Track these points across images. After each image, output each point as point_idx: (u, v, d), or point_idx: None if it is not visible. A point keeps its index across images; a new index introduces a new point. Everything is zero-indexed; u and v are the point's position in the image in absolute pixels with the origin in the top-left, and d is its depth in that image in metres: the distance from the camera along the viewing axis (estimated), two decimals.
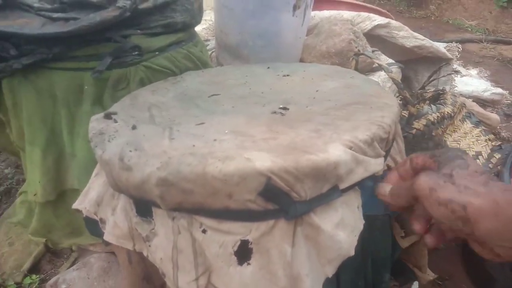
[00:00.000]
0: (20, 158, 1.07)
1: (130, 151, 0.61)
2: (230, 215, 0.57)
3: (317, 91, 0.86)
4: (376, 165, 0.63)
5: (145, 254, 0.66)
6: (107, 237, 0.67)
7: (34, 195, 1.02)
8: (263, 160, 0.54)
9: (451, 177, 0.45)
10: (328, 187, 0.59)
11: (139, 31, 0.92)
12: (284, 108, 0.73)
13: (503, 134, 2.04)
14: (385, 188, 0.57)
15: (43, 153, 0.95)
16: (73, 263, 1.15)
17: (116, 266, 1.00)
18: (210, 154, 0.57)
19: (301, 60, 1.44)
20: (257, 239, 0.57)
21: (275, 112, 0.72)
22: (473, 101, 2.13)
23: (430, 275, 0.94)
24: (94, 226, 0.72)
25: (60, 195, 1.05)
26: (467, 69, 2.79)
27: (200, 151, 0.59)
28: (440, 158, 0.50)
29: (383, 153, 0.66)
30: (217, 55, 1.42)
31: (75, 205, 0.75)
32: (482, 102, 2.24)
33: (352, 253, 0.59)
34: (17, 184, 1.57)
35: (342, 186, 0.60)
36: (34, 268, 1.13)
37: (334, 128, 0.64)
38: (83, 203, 0.75)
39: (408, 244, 0.81)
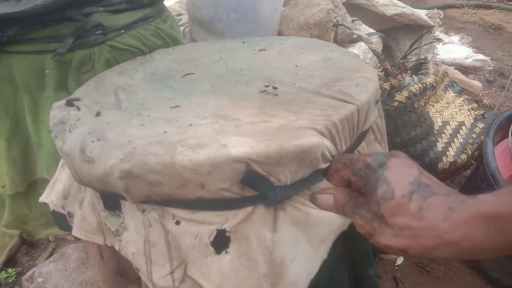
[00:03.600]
0: None
1: (92, 141, 0.57)
2: (204, 204, 0.54)
3: (296, 66, 0.82)
4: None
5: (117, 248, 0.63)
6: (75, 232, 0.64)
7: (3, 187, 0.97)
8: (240, 146, 0.50)
9: (383, 217, 0.42)
10: (309, 172, 0.56)
11: (101, 8, 0.86)
12: (274, 88, 0.69)
13: (485, 101, 2.03)
14: (328, 200, 0.54)
15: (7, 143, 0.90)
16: (51, 254, 1.11)
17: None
18: (180, 142, 0.53)
19: (279, 33, 1.39)
20: (234, 227, 0.55)
21: (264, 92, 0.68)
22: (455, 68, 2.11)
23: None
24: (62, 220, 0.68)
25: (31, 186, 1.00)
26: (449, 35, 2.76)
27: (169, 138, 0.54)
28: (363, 178, 0.46)
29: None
30: (190, 30, 1.35)
31: (42, 198, 0.71)
32: (464, 69, 2.22)
33: (346, 227, 0.57)
34: None
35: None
36: (10, 261, 1.09)
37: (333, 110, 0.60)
38: (50, 196, 0.71)
39: None
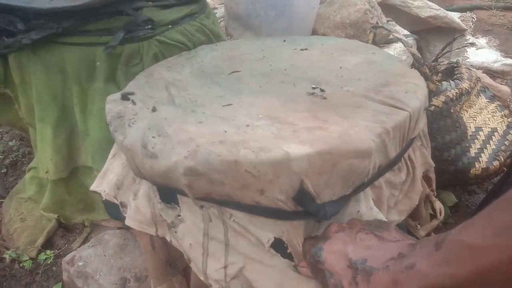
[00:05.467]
0: (29, 134, 1.05)
1: (153, 137, 0.59)
2: (261, 210, 0.56)
3: (340, 67, 0.82)
4: None
5: (168, 239, 0.65)
6: (129, 222, 0.66)
7: (46, 172, 1.00)
8: (300, 159, 0.51)
9: None
10: (353, 188, 0.58)
11: (150, 2, 0.88)
12: (321, 90, 0.70)
13: None
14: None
15: (54, 130, 0.93)
16: (86, 238, 1.15)
17: (132, 243, 1.00)
18: (243, 143, 0.54)
19: (314, 31, 1.40)
20: (289, 236, 0.56)
21: (313, 94, 0.69)
22: (483, 72, 2.09)
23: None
24: (114, 209, 0.71)
25: (72, 172, 1.03)
26: (476, 37, 2.72)
27: (230, 138, 0.56)
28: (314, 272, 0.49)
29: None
30: (226, 25, 1.37)
31: (92, 187, 0.74)
32: (492, 73, 2.19)
33: None
34: (23, 156, 1.55)
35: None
36: (48, 244, 1.13)
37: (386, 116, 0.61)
38: (101, 186, 0.74)
39: (425, 233, 0.80)
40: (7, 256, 1.08)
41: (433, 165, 0.77)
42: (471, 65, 2.06)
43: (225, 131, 0.59)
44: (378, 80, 0.75)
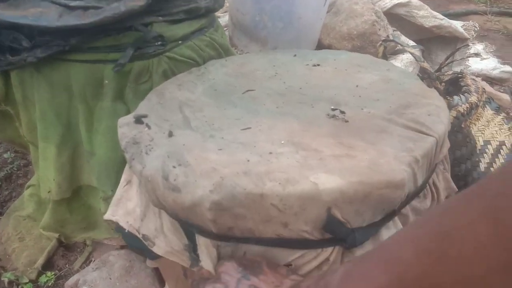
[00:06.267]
0: (29, 151, 1.01)
1: (174, 166, 0.56)
2: (280, 243, 0.54)
3: (357, 86, 0.80)
4: None
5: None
6: (159, 251, 0.62)
7: (48, 192, 0.96)
8: (330, 190, 0.49)
9: None
10: (383, 215, 0.56)
11: (160, 18, 0.84)
12: (341, 112, 0.67)
13: None
14: None
15: (58, 149, 0.89)
16: (87, 258, 1.11)
17: (138, 264, 0.97)
18: (268, 175, 0.52)
19: (319, 42, 1.37)
20: (302, 266, 0.54)
21: (333, 117, 0.66)
22: (482, 79, 2.09)
23: None
24: (135, 241, 0.67)
25: (75, 191, 0.99)
26: (473, 43, 2.73)
27: (255, 169, 0.53)
28: None
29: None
30: (231, 35, 1.34)
31: (107, 216, 0.70)
32: (490, 80, 2.20)
33: None
34: (18, 169, 1.50)
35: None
36: (48, 264, 1.09)
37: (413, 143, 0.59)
38: (117, 214, 0.70)
39: None
40: (5, 278, 1.03)
41: (456, 189, 0.75)
42: (471, 73, 2.06)
43: (248, 160, 0.56)
44: (398, 100, 0.73)
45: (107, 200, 0.88)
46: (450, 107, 1.07)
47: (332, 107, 0.72)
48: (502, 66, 2.22)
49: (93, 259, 1.10)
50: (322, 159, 0.56)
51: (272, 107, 0.74)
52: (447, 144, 0.71)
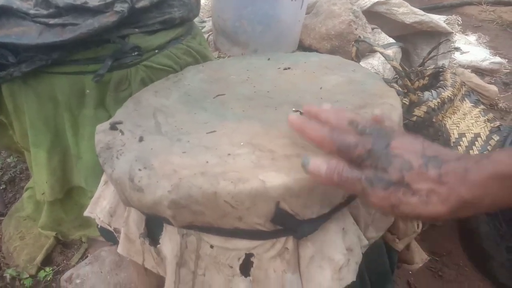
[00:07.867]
0: (25, 156, 1.08)
1: (140, 169, 0.62)
2: (238, 233, 0.59)
3: (321, 88, 0.85)
4: None
5: (155, 271, 0.69)
6: (120, 250, 0.70)
7: (42, 194, 1.03)
8: (277, 187, 0.55)
9: (408, 186, 0.42)
10: (331, 207, 0.61)
11: (137, 30, 0.90)
12: (301, 113, 0.73)
13: (500, 104, 2.04)
14: (320, 165, 0.50)
15: (48, 154, 0.96)
16: (83, 254, 1.19)
17: (127, 258, 1.04)
18: (222, 175, 0.58)
19: (300, 42, 1.43)
20: (260, 254, 0.59)
21: None
22: (472, 71, 2.13)
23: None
24: (109, 235, 0.74)
25: (67, 192, 1.07)
26: (466, 34, 2.75)
27: (212, 170, 0.59)
28: (375, 161, 0.45)
29: None
30: (215, 40, 1.40)
31: (86, 213, 0.77)
32: (481, 71, 2.23)
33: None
34: (21, 173, 1.58)
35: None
36: (47, 260, 1.17)
37: None
38: (95, 211, 0.77)
39: (403, 246, 0.84)
40: (7, 274, 1.11)
41: None
42: (459, 65, 2.09)
43: (207, 162, 0.62)
44: (356, 101, 0.78)
45: None
46: (421, 102, 1.12)
47: (294, 109, 0.77)
48: (492, 57, 2.24)
49: (88, 255, 1.18)
50: (274, 159, 0.61)
51: (239, 111, 0.79)
52: None
